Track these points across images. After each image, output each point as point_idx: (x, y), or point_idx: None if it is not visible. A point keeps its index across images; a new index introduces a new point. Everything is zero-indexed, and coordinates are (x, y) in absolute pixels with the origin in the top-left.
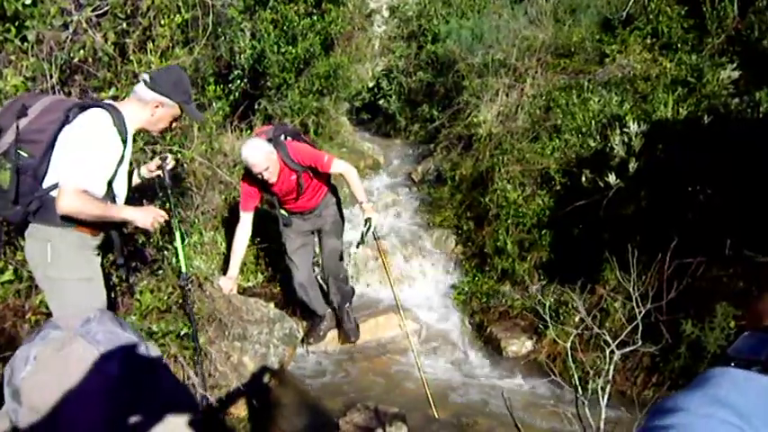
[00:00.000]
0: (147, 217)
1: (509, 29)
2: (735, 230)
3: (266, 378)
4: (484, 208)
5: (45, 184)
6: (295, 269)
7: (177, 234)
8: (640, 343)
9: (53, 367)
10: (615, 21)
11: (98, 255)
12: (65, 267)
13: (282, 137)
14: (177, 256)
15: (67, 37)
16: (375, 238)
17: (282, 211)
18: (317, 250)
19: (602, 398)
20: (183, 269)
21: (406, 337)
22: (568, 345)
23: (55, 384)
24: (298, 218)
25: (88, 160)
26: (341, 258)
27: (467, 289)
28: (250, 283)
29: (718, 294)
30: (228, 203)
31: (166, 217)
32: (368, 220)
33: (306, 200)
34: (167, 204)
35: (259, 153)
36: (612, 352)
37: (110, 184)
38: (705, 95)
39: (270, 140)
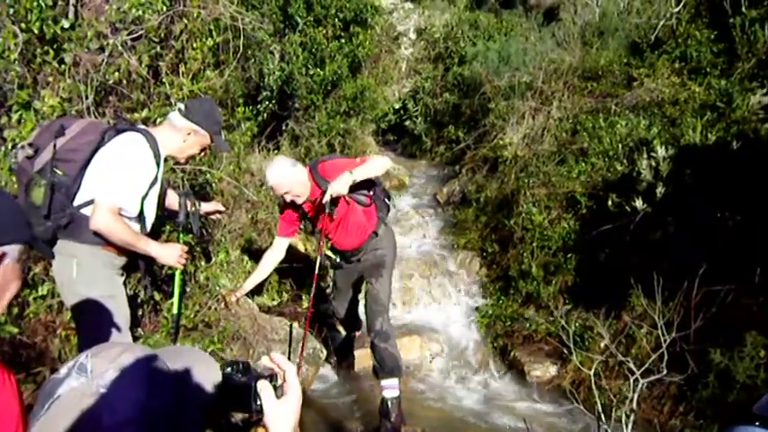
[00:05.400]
0: (172, 256)
1: (536, 51)
2: (765, 258)
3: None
4: (509, 231)
5: (76, 202)
6: (335, 303)
7: (177, 277)
8: (665, 372)
9: (63, 418)
10: (643, 44)
11: (122, 274)
12: (89, 284)
13: (322, 161)
14: (173, 300)
15: (103, 60)
16: (327, 210)
17: (329, 252)
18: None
19: (626, 427)
20: (175, 310)
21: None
22: (592, 372)
23: (61, 419)
24: (344, 262)
25: (125, 180)
26: (380, 311)
27: (491, 312)
28: (274, 302)
29: (747, 323)
30: (255, 222)
31: (186, 250)
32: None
33: (346, 235)
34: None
35: (278, 174)
36: (637, 380)
37: (141, 203)
38: (735, 120)
39: (309, 164)
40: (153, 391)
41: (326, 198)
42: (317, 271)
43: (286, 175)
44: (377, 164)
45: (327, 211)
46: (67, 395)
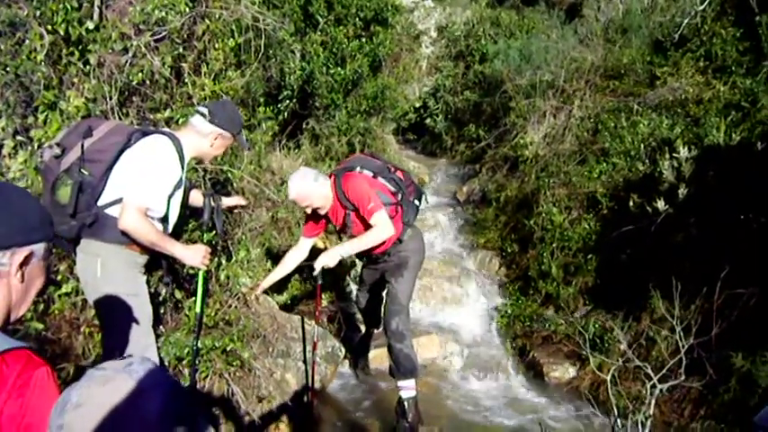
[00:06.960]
0: (197, 257)
1: (558, 50)
2: None
3: (308, 396)
4: (529, 230)
5: (101, 202)
6: (359, 294)
7: (201, 276)
8: (683, 378)
9: (97, 400)
10: (667, 42)
11: (144, 273)
12: (113, 283)
13: (349, 170)
14: (196, 299)
15: (127, 61)
16: (316, 280)
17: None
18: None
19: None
20: (198, 309)
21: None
22: (608, 377)
23: (98, 417)
24: (371, 261)
25: (152, 181)
26: (397, 311)
27: (510, 312)
28: (294, 301)
29: None
30: (275, 221)
31: (209, 251)
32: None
33: None
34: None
35: (300, 188)
36: (654, 386)
37: (167, 203)
38: (760, 121)
39: (335, 172)
40: (168, 374)
41: (317, 271)
42: (319, 281)
43: (308, 190)
44: (376, 236)
45: (319, 282)
46: (93, 381)
